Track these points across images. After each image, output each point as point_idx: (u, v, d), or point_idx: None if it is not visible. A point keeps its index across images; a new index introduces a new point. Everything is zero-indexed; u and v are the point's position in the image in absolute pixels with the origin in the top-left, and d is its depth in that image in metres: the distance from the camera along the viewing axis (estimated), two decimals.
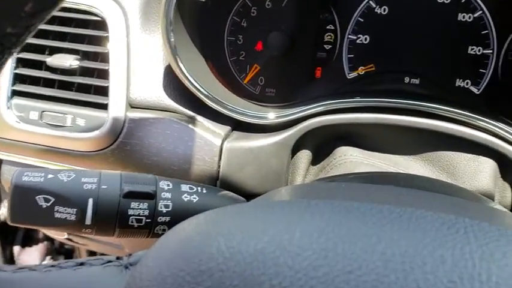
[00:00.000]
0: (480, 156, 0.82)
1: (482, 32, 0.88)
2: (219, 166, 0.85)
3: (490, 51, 0.88)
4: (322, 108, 0.87)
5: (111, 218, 0.60)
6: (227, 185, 0.85)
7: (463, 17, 0.87)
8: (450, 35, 0.89)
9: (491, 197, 0.80)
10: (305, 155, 0.88)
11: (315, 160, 0.90)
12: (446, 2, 0.88)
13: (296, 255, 0.34)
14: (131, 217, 0.60)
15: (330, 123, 0.85)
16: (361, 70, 0.94)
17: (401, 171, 0.85)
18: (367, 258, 0.33)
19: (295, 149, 0.86)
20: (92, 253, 1.46)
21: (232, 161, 0.85)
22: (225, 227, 0.37)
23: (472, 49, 0.89)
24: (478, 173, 0.81)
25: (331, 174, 0.86)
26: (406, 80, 0.92)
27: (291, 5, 0.95)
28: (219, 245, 0.35)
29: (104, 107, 0.89)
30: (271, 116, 0.88)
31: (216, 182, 0.85)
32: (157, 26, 0.89)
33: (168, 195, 0.61)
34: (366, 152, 0.88)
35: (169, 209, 0.61)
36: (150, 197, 0.61)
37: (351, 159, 0.87)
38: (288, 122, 0.87)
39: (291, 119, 0.87)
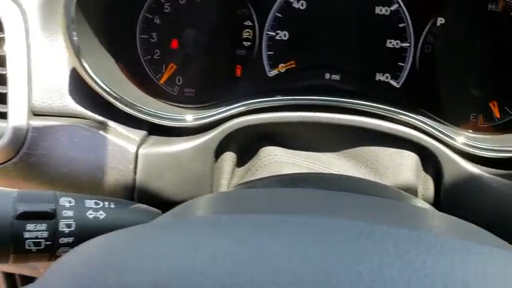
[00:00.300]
0: (402, 150, 0.82)
1: (400, 25, 0.87)
2: (135, 174, 0.79)
3: (408, 44, 0.88)
4: (243, 108, 0.83)
5: (3, 243, 0.53)
6: (145, 194, 0.79)
7: (380, 10, 0.87)
8: (368, 28, 0.88)
9: (414, 191, 0.80)
10: (229, 157, 0.84)
11: (240, 162, 0.86)
12: None
13: (197, 284, 0.29)
14: (28, 240, 0.53)
15: (253, 123, 0.82)
16: (281, 67, 0.91)
17: (326, 170, 0.83)
18: (278, 281, 0.30)
19: (219, 152, 0.82)
20: (7, 274, 1.34)
21: (150, 168, 0.79)
22: (116, 256, 0.32)
23: (390, 42, 0.88)
24: (401, 167, 0.81)
25: (256, 176, 0.83)
26: (327, 76, 0.90)
27: (206, 0, 0.90)
28: (107, 280, 0.30)
29: (2, 116, 0.80)
30: (189, 118, 0.83)
31: (133, 192, 0.79)
32: (59, 26, 0.81)
33: (70, 213, 0.55)
34: (290, 151, 0.85)
35: (72, 229, 0.55)
36: (49, 216, 0.54)
37: (276, 159, 0.84)
38: (208, 123, 0.83)
39: (211, 120, 0.82)
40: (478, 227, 0.51)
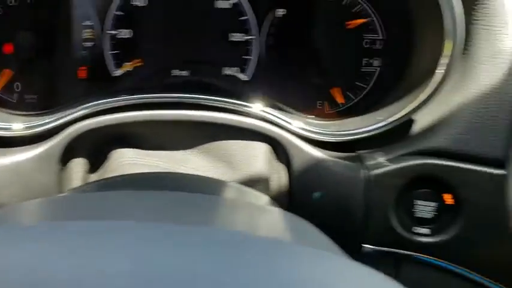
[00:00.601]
0: (254, 142, 0.83)
1: (242, 18, 0.88)
2: None
3: (252, 37, 0.89)
4: (87, 110, 0.80)
5: None
6: None
7: (220, 3, 0.87)
8: (211, 23, 0.88)
9: (266, 180, 0.81)
10: (78, 164, 0.80)
11: (93, 167, 0.83)
12: None
13: None
14: None
15: (97, 125, 0.79)
16: (128, 66, 0.88)
17: (181, 168, 0.82)
18: None
19: (65, 159, 0.78)
20: None
21: None
22: None
23: (234, 36, 0.89)
24: (253, 158, 0.82)
25: None
26: (176, 72, 0.89)
27: (38, 0, 0.85)
28: None
29: None
30: (18, 126, 0.78)
31: None
32: None
33: None
34: (144, 151, 0.83)
35: None
36: None
37: (129, 161, 0.82)
38: (48, 130, 0.78)
39: (49, 127, 0.78)
40: (302, 222, 0.51)
